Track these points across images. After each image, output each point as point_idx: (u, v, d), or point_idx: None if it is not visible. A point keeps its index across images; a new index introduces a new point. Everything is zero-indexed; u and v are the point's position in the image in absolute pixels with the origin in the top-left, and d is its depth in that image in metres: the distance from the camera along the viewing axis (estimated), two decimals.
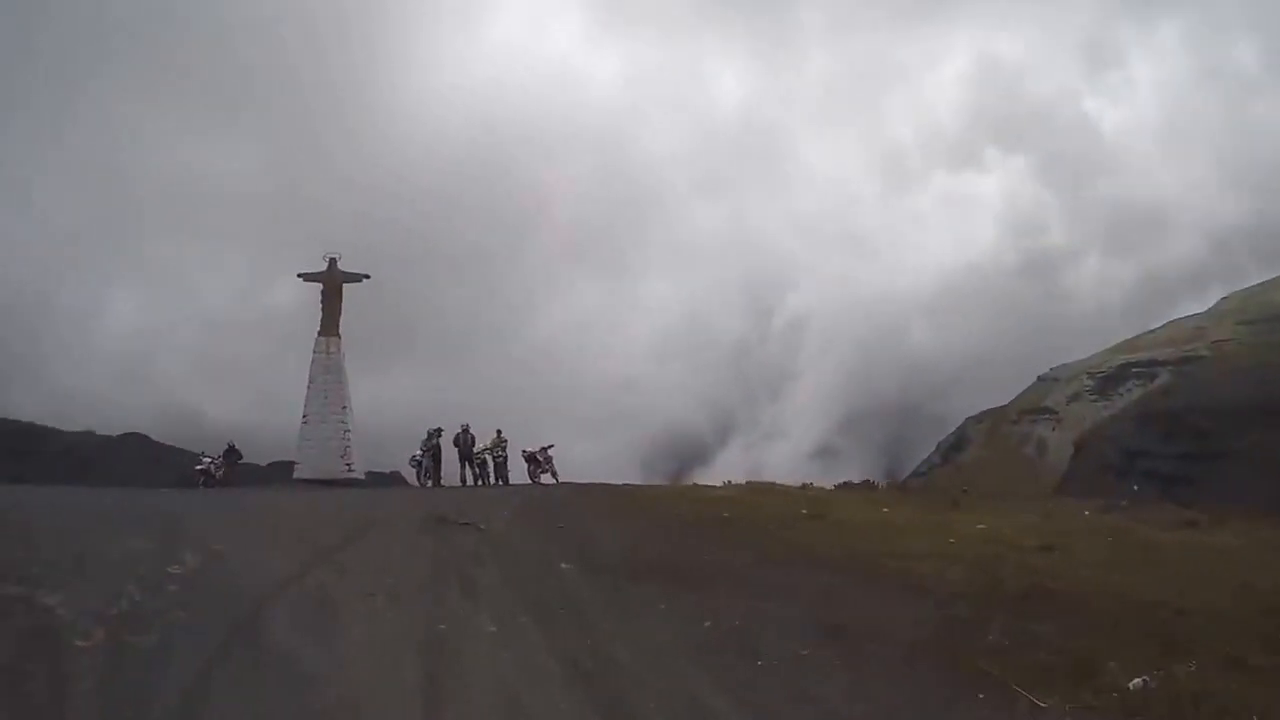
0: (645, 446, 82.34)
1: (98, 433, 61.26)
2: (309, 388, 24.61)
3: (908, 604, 9.03)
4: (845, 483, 37.44)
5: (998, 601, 8.97)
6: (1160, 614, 8.50)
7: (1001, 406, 79.47)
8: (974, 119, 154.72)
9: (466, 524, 13.03)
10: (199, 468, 23.48)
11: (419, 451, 24.04)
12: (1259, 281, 75.24)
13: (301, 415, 24.39)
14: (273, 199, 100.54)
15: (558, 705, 6.38)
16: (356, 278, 26.14)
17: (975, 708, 6.42)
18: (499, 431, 24.76)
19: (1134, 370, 69.82)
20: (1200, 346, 62.67)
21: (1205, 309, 77.53)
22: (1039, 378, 79.27)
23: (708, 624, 8.36)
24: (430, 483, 23.84)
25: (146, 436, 61.01)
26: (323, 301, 25.54)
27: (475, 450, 24.22)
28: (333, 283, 25.65)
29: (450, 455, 24.21)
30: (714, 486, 22.51)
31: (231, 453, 24.21)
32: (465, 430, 24.35)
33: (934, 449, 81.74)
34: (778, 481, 24.18)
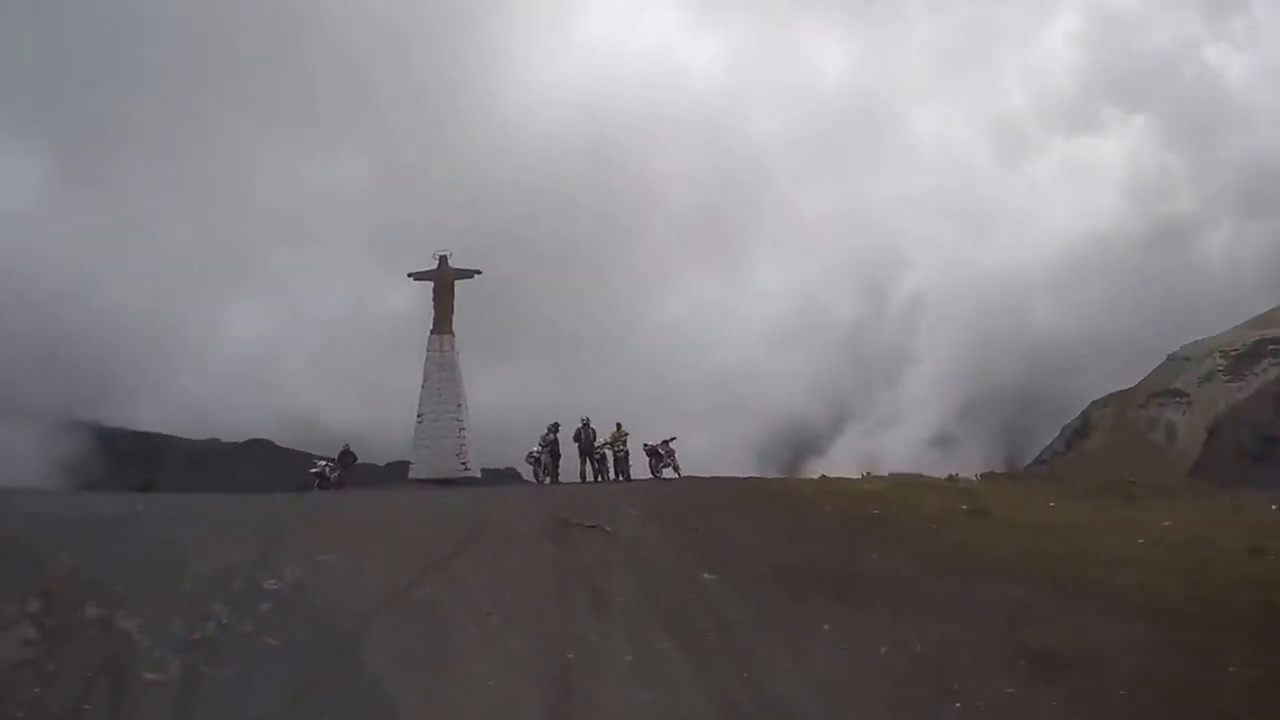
0: (759, 436, 79.78)
1: (223, 440, 64.63)
2: (423, 386, 24.45)
3: (1117, 625, 8.00)
4: (990, 472, 34.35)
5: (1228, 623, 7.87)
6: None
7: (1128, 389, 72.89)
8: (1089, 79, 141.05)
9: (592, 526, 11.99)
10: (313, 470, 23.59)
11: (537, 447, 23.38)
12: None
13: (416, 415, 24.07)
14: (382, 203, 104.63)
15: None
16: (468, 273, 25.84)
17: None
18: (619, 424, 23.96)
19: (1271, 348, 63.57)
20: None
21: None
22: (1168, 357, 72.80)
23: (884, 650, 7.31)
24: (548, 479, 23.10)
25: (270, 442, 63.35)
26: (434, 299, 25.43)
27: (595, 445, 23.21)
28: (444, 280, 25.44)
29: (569, 451, 23.49)
30: (850, 479, 21.34)
31: (346, 455, 24.31)
32: (585, 424, 23.62)
33: (1056, 435, 75.37)
34: (898, 471, 22.07)
